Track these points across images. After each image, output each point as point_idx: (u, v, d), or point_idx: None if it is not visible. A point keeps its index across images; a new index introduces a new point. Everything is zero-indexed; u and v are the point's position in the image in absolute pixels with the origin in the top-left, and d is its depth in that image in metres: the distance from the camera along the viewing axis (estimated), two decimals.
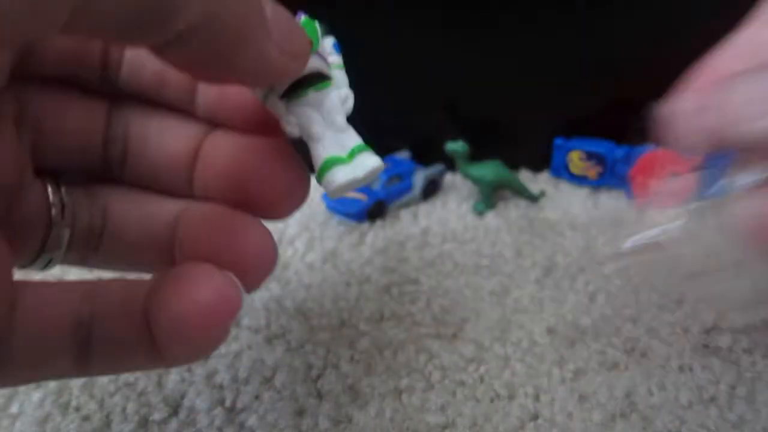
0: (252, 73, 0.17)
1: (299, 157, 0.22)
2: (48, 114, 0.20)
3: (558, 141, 0.43)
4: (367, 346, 0.29)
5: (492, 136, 0.44)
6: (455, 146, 0.40)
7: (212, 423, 0.26)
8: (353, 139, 0.20)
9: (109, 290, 0.19)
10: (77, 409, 0.27)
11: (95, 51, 0.21)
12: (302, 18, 0.20)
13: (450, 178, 0.44)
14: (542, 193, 0.42)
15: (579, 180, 0.43)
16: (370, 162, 0.20)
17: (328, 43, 0.20)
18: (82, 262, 0.22)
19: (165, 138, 0.22)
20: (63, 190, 0.21)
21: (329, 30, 0.20)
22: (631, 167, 0.41)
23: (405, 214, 0.41)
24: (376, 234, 0.39)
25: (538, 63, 0.42)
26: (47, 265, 0.21)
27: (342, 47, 0.21)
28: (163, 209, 0.22)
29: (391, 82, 0.42)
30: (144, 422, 0.26)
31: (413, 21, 0.41)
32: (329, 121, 0.20)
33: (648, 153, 0.40)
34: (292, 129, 0.20)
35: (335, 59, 0.20)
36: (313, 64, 0.19)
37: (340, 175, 0.19)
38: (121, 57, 0.21)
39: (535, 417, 0.26)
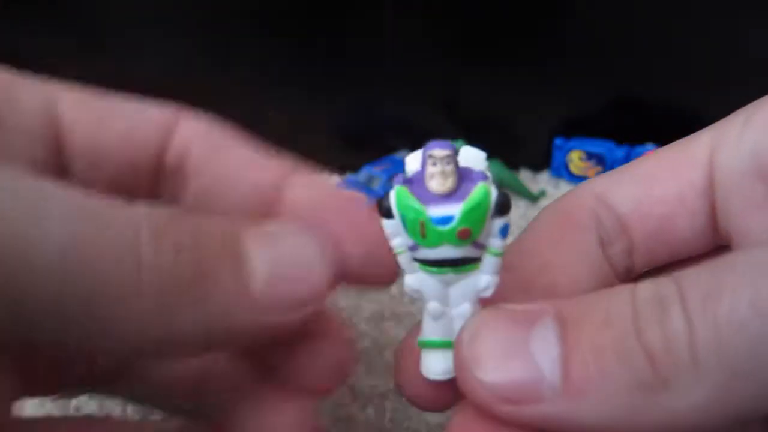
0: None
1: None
2: None
3: (558, 141, 0.43)
4: (367, 346, 0.29)
5: (492, 136, 0.44)
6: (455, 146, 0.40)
7: None
8: None
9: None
10: (77, 409, 0.27)
11: None
12: (479, 185, 0.15)
13: None
14: (542, 193, 0.42)
15: (579, 180, 0.43)
16: None
17: (497, 225, 0.16)
18: (108, 393, 0.21)
19: None
20: None
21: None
22: None
23: None
24: None
25: (538, 63, 0.42)
26: (72, 396, 0.21)
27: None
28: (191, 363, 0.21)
29: (391, 81, 0.42)
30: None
31: (414, 20, 0.41)
32: (454, 302, 0.16)
33: (648, 153, 0.40)
34: (410, 292, 0.17)
35: (497, 244, 0.16)
36: (463, 254, 0.16)
37: (437, 365, 0.17)
38: None
39: None
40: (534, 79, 0.42)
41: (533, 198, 0.42)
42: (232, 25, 0.41)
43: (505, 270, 0.17)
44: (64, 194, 0.14)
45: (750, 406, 0.13)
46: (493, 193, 0.15)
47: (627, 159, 0.41)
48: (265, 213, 0.19)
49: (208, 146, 0.20)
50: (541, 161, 0.45)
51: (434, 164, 0.15)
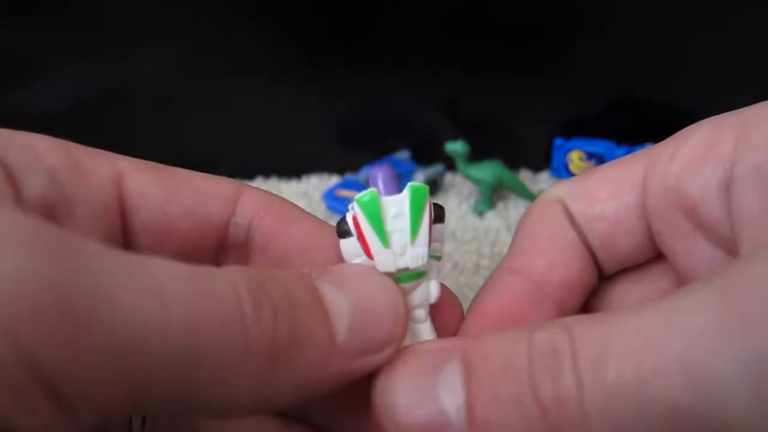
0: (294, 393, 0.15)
1: None
2: None
3: (558, 141, 0.43)
4: None
5: (492, 136, 0.44)
6: (455, 146, 0.40)
7: None
8: (428, 333, 0.19)
9: None
10: None
11: None
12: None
13: (450, 178, 0.44)
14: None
15: None
16: None
17: (439, 230, 0.18)
18: None
19: None
20: None
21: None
22: None
23: None
24: None
25: (539, 63, 0.42)
26: None
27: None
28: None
29: (392, 82, 0.42)
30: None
31: (414, 21, 0.41)
32: (413, 310, 0.18)
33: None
34: None
35: (437, 247, 0.18)
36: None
37: None
38: None
39: None
40: (534, 79, 0.42)
41: (533, 198, 0.42)
42: (232, 25, 0.41)
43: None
44: (176, 272, 0.13)
45: None
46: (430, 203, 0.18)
47: None
48: None
49: (274, 221, 0.19)
50: (541, 161, 0.45)
51: None
